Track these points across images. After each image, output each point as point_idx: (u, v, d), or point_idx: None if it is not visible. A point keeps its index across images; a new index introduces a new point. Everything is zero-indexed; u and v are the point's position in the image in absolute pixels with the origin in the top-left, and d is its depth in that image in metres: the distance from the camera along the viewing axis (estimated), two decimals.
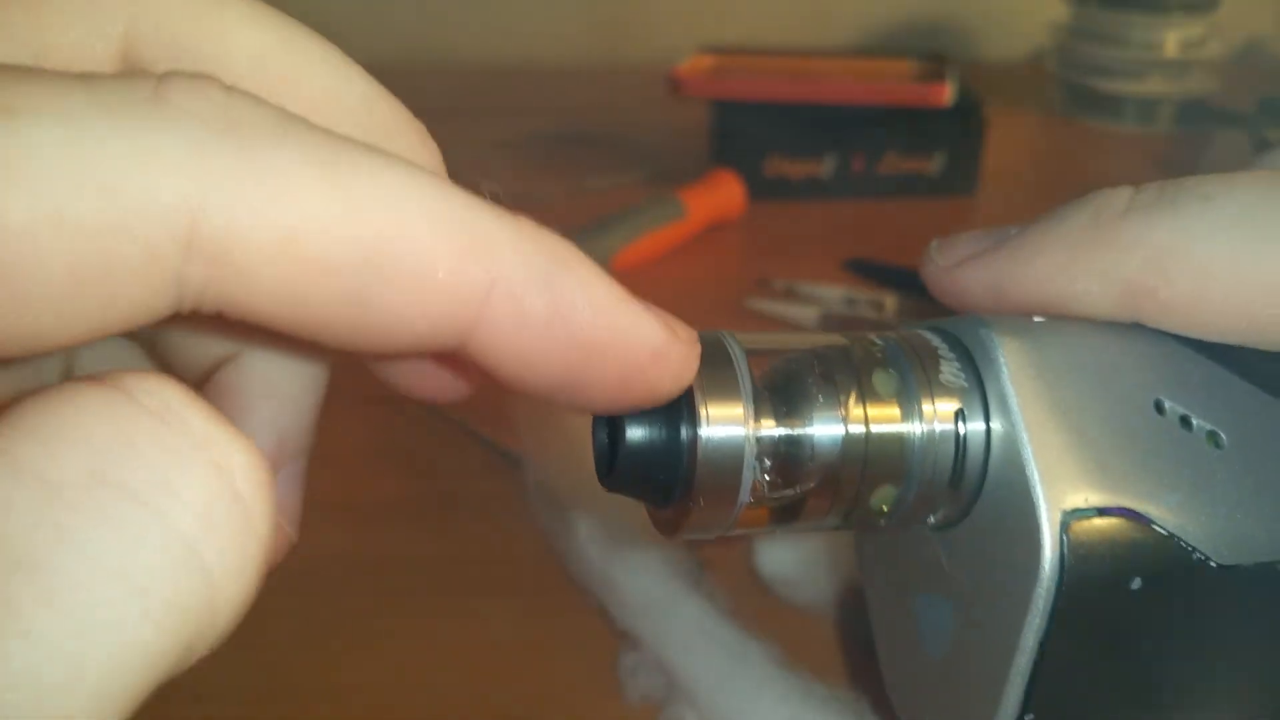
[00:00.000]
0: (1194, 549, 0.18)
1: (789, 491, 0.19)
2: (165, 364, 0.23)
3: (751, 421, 0.19)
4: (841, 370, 0.20)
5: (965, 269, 0.21)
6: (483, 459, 0.43)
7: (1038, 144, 0.87)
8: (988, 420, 0.19)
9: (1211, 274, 0.19)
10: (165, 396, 0.13)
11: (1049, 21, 0.90)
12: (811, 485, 0.19)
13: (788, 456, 0.19)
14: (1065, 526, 0.18)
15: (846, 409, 0.19)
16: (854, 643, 0.34)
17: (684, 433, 0.19)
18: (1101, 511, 0.18)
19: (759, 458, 0.19)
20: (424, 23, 0.99)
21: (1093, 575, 0.18)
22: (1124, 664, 0.19)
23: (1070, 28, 0.87)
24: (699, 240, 0.64)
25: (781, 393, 0.19)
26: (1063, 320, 0.20)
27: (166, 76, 0.14)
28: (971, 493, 0.20)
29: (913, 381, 0.20)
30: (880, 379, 0.19)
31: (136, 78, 0.14)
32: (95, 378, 0.12)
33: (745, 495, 0.19)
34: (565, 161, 0.77)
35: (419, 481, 0.43)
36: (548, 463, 0.39)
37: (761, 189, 0.68)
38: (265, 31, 0.18)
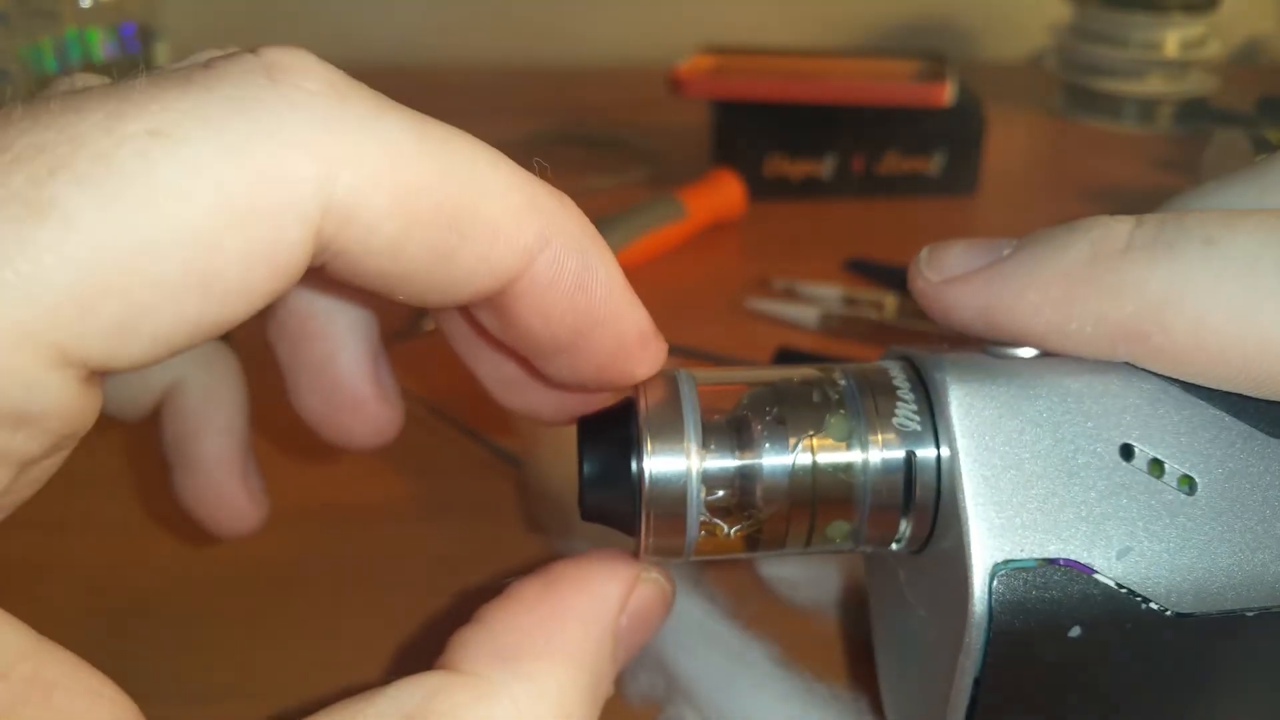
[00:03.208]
0: (1145, 599, 0.18)
1: (739, 525, 0.20)
2: (117, 406, 0.25)
3: (695, 455, 0.19)
4: (796, 410, 0.20)
5: (955, 289, 0.21)
6: (483, 459, 0.43)
7: (1038, 144, 0.87)
8: (939, 464, 0.19)
9: (1208, 325, 0.18)
10: None
11: (1049, 21, 0.90)
12: (763, 519, 0.20)
13: (739, 490, 0.20)
14: (994, 577, 0.18)
15: (795, 450, 0.20)
16: (854, 643, 0.34)
17: (633, 465, 0.20)
18: (1044, 562, 0.18)
19: (705, 491, 0.20)
20: (424, 23, 0.99)
21: (1023, 626, 0.18)
22: (1065, 706, 0.19)
23: (1070, 28, 0.87)
24: (699, 240, 0.64)
25: (733, 430, 0.20)
26: (1034, 360, 0.20)
27: (268, 59, 0.16)
28: (929, 525, 0.20)
29: (864, 425, 0.20)
30: (833, 420, 0.20)
31: (244, 60, 0.16)
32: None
33: (694, 528, 0.20)
34: (565, 161, 0.77)
35: (418, 481, 0.43)
36: (547, 464, 0.39)
37: (761, 189, 0.68)
38: None
